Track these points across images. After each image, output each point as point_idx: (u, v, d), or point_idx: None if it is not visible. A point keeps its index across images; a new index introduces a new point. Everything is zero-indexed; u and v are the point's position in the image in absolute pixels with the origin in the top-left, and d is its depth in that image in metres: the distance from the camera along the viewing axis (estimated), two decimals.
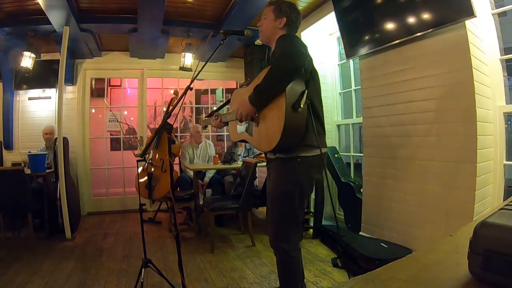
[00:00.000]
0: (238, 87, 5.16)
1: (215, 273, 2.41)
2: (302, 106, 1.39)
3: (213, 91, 5.59)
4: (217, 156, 4.20)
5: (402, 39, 2.39)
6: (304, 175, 1.55)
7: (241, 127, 1.72)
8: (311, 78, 1.53)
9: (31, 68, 3.81)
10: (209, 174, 4.06)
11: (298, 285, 1.63)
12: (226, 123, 1.86)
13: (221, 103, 2.24)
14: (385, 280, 0.51)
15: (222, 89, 5.42)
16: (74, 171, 4.31)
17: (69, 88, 4.39)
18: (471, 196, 2.00)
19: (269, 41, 1.70)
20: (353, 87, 3.56)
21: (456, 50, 2.09)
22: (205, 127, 2.34)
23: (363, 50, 2.77)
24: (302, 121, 1.44)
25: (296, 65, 1.38)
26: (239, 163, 3.71)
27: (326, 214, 3.51)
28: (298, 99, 1.39)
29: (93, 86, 4.99)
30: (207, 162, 4.16)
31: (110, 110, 4.78)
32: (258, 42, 3.92)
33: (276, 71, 1.39)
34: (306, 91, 1.42)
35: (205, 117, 2.17)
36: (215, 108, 2.31)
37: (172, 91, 3.17)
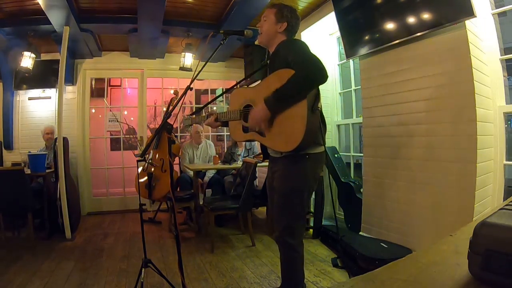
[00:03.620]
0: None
1: (215, 273, 2.41)
2: (319, 108, 1.48)
3: (213, 91, 5.59)
4: (217, 156, 4.20)
5: (402, 39, 2.39)
6: (311, 172, 1.60)
7: (247, 128, 1.68)
8: None
9: (31, 68, 3.81)
10: (209, 174, 4.06)
11: (301, 280, 1.65)
12: (224, 123, 1.82)
13: (221, 102, 2.19)
14: (385, 280, 0.51)
15: (222, 89, 5.42)
16: (74, 171, 4.30)
17: (69, 88, 4.39)
18: (471, 196, 2.00)
19: (267, 44, 1.71)
20: (353, 87, 3.56)
21: (456, 50, 2.09)
22: (188, 126, 2.15)
23: (363, 50, 2.77)
24: (318, 121, 1.51)
25: (324, 78, 1.42)
26: (239, 163, 3.70)
27: (326, 214, 3.51)
28: (314, 101, 1.45)
29: (93, 86, 4.99)
30: (207, 162, 4.16)
31: (110, 110, 4.78)
32: (258, 42, 3.92)
33: (305, 78, 1.41)
34: (320, 94, 1.49)
35: (188, 115, 2.06)
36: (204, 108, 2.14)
37: (172, 91, 3.18)
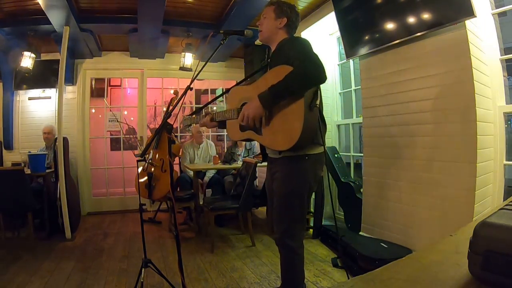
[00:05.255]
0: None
1: (215, 273, 2.41)
2: (317, 105, 1.42)
3: (213, 91, 5.59)
4: (217, 156, 4.20)
5: (402, 39, 2.39)
6: (311, 173, 1.57)
7: (244, 126, 1.64)
8: None
9: (31, 68, 3.81)
10: (209, 174, 4.06)
11: (301, 282, 1.64)
12: (219, 123, 1.79)
13: (221, 102, 2.17)
14: (385, 280, 0.51)
15: (222, 89, 5.41)
16: (74, 171, 4.31)
17: (69, 88, 4.39)
18: (471, 196, 2.00)
19: (268, 41, 1.70)
20: (353, 87, 3.56)
21: (456, 50, 2.09)
22: (188, 125, 2.05)
23: (363, 50, 2.77)
24: (316, 120, 1.46)
25: (322, 78, 1.38)
26: (239, 163, 3.71)
27: (326, 214, 3.51)
28: (313, 98, 1.41)
29: (93, 86, 4.99)
30: (208, 162, 4.16)
31: (110, 110, 4.78)
32: (258, 42, 3.92)
33: (303, 77, 1.37)
34: (319, 91, 1.44)
35: (188, 115, 2.01)
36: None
37: (172, 91, 3.18)
